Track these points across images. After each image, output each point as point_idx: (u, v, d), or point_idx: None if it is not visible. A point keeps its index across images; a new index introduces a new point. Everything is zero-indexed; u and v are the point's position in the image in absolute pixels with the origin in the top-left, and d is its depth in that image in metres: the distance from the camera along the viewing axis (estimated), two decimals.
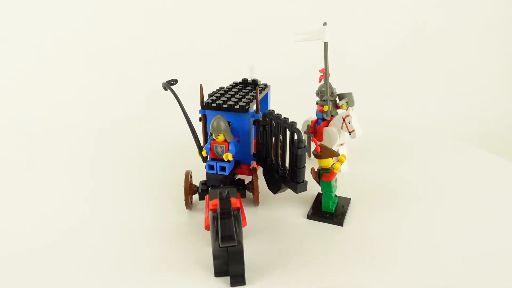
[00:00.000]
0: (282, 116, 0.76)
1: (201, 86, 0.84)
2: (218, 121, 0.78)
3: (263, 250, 0.73)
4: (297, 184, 0.73)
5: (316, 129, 1.01)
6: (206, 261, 0.69)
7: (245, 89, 0.91)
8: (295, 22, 1.68)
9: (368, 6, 1.77)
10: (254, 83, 0.95)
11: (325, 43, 0.93)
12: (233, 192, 0.70)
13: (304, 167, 0.73)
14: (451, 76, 1.75)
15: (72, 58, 1.48)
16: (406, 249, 0.72)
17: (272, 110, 0.78)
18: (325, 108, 0.96)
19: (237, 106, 0.80)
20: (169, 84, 0.80)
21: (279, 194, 0.83)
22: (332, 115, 0.98)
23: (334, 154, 0.78)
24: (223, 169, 0.80)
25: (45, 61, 1.43)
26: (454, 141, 1.20)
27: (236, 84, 0.96)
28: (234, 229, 0.59)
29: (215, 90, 0.90)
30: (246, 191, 0.85)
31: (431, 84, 1.73)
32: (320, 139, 1.01)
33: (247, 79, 0.97)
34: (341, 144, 0.99)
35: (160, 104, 1.45)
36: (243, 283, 0.64)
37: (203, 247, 0.73)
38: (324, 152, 0.77)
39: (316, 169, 0.81)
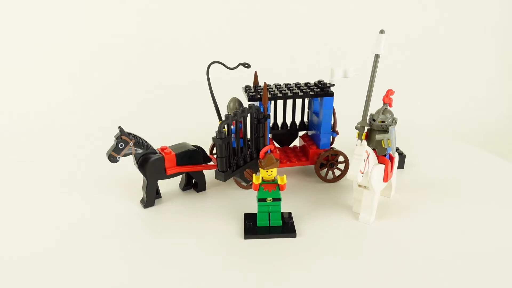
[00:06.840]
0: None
1: (255, 73, 0.95)
2: (233, 102, 0.90)
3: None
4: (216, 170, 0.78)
5: None
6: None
7: (300, 89, 0.91)
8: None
9: (368, 6, 1.60)
10: (320, 86, 0.91)
11: (376, 56, 0.74)
12: (188, 149, 0.85)
13: (222, 157, 0.75)
14: (450, 76, 1.63)
15: (67, 58, 1.47)
16: (405, 252, 0.70)
17: (251, 105, 0.81)
18: (357, 135, 0.77)
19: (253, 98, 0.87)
20: (241, 65, 0.95)
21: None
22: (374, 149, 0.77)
23: (264, 167, 0.71)
24: None
25: (41, 61, 1.45)
26: (454, 141, 1.20)
27: (304, 83, 0.95)
28: (111, 152, 0.75)
29: (281, 84, 0.96)
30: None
31: (431, 84, 1.62)
32: None
33: (320, 81, 0.93)
34: (364, 187, 0.77)
35: (161, 104, 1.48)
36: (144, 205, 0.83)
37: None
38: (263, 161, 0.73)
39: (253, 173, 0.76)
